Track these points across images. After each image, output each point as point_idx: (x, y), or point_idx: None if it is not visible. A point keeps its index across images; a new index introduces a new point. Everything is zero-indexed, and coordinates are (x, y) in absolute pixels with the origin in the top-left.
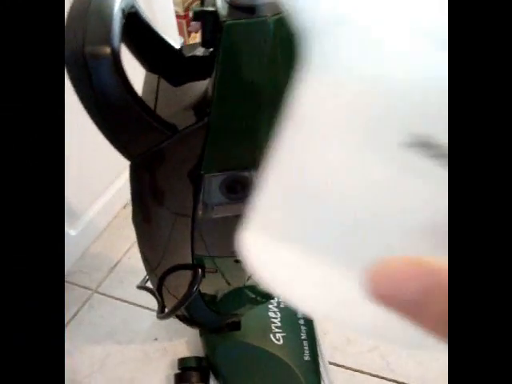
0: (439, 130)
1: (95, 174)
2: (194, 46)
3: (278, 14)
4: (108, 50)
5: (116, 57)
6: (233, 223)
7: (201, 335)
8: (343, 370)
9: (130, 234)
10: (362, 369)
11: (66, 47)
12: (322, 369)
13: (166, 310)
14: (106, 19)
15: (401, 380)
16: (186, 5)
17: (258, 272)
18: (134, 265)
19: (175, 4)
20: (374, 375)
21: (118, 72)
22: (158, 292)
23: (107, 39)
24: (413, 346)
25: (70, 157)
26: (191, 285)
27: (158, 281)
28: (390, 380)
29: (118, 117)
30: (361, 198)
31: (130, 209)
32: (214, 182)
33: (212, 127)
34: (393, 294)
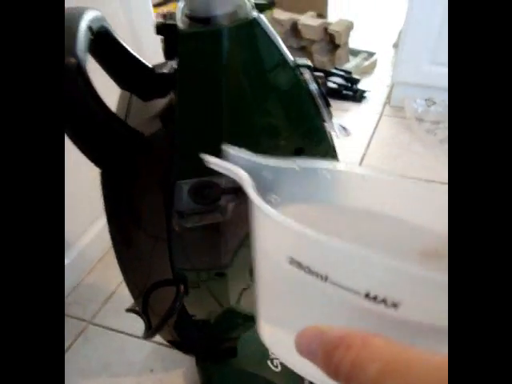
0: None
1: (87, 202)
2: (166, 63)
3: (234, 22)
4: (72, 60)
5: (81, 67)
6: (207, 235)
7: (197, 364)
8: None
9: None
10: None
11: None
12: None
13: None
14: (70, 32)
15: None
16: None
17: (272, 350)
18: (130, 295)
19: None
20: None
21: (83, 81)
22: (144, 312)
23: (71, 50)
24: None
25: None
26: (174, 300)
27: (143, 300)
28: None
29: (82, 123)
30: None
31: None
32: (184, 189)
33: (178, 131)
34: (304, 351)
